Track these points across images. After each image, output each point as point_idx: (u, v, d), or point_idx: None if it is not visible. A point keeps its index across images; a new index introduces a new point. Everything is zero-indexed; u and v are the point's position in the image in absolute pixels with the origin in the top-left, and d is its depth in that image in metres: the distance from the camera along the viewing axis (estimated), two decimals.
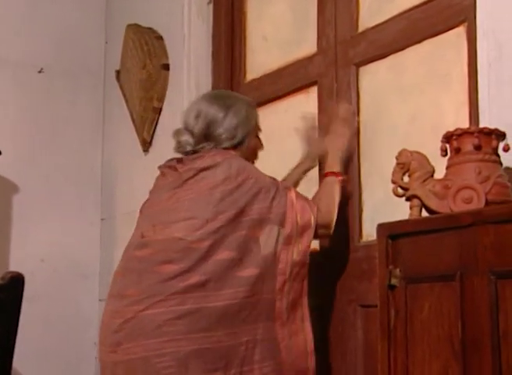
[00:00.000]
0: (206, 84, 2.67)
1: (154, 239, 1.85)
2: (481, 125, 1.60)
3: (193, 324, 1.71)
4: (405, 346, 1.37)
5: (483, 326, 1.25)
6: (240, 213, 1.79)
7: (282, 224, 1.81)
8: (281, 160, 2.41)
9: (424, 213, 1.55)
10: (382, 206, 2.00)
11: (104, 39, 3.32)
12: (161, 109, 2.79)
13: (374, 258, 1.89)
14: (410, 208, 1.53)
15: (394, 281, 1.44)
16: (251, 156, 2.02)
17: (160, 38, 2.84)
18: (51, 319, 2.97)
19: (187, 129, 1.96)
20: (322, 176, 1.98)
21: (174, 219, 1.84)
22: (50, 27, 3.20)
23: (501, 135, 1.50)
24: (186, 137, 1.95)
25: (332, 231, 1.89)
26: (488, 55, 1.65)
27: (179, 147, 1.98)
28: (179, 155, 2.12)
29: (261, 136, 2.08)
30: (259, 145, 2.05)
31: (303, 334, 1.82)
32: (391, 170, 1.60)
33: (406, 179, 1.57)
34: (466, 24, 1.79)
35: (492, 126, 1.52)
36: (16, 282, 1.05)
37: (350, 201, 2.08)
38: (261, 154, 2.49)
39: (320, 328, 2.12)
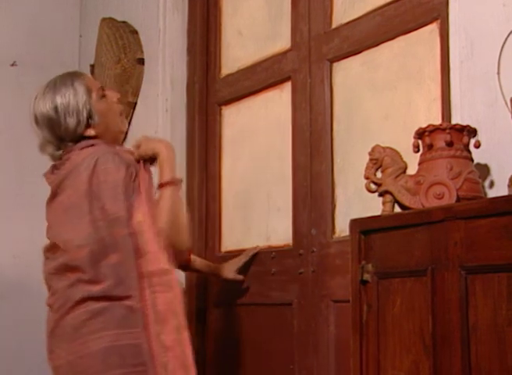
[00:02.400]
0: (181, 79, 2.66)
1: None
2: (453, 121, 1.62)
3: (108, 322, 1.74)
4: (377, 340, 1.38)
5: (453, 320, 1.26)
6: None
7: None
8: (254, 155, 2.42)
9: (397, 209, 1.56)
10: (354, 202, 2.01)
11: (78, 32, 3.29)
12: (135, 104, 2.78)
13: (347, 253, 1.90)
14: (383, 203, 1.54)
15: (366, 276, 1.45)
16: (112, 122, 1.95)
17: (135, 32, 2.82)
18: (23, 317, 2.93)
19: (45, 139, 1.93)
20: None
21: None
22: (23, 20, 3.15)
23: (472, 131, 1.52)
24: (50, 150, 1.93)
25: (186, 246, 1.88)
26: (461, 52, 1.67)
27: (54, 160, 1.95)
28: None
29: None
30: (110, 106, 1.95)
31: (180, 347, 1.76)
32: (364, 166, 1.61)
33: (379, 175, 1.58)
34: (439, 21, 1.80)
35: (463, 123, 1.53)
36: None
37: (322, 196, 2.09)
38: (234, 149, 2.50)
39: (292, 323, 2.13)
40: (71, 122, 1.90)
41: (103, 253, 1.76)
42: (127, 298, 1.74)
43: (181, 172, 2.61)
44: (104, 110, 1.94)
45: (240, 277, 2.28)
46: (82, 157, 1.85)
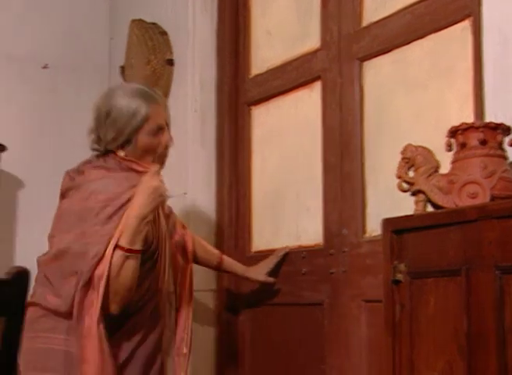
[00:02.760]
0: (210, 79, 2.67)
1: None
2: (487, 120, 1.60)
3: (41, 325, 1.81)
4: (410, 341, 1.37)
5: (488, 321, 1.24)
6: None
7: None
8: (284, 155, 2.41)
9: (430, 208, 1.55)
10: (385, 201, 2.00)
11: (108, 34, 3.32)
12: None
13: (378, 253, 1.89)
14: (415, 203, 1.53)
15: (399, 276, 1.44)
16: (143, 161, 1.94)
17: (164, 33, 2.84)
18: None
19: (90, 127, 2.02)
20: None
21: None
22: (55, 23, 3.20)
23: (506, 130, 1.50)
24: (90, 138, 2.01)
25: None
26: (494, 49, 1.65)
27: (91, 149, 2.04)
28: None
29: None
30: (153, 147, 1.95)
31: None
32: (395, 165, 1.60)
33: (411, 174, 1.56)
34: (471, 18, 1.78)
35: (497, 121, 1.52)
36: (22, 277, 1.05)
37: (353, 196, 2.08)
38: (264, 149, 2.50)
39: (323, 323, 2.13)
40: (108, 134, 1.93)
41: None
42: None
43: (211, 172, 2.63)
44: (144, 146, 1.94)
45: (271, 280, 2.28)
46: (92, 178, 1.92)
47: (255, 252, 2.47)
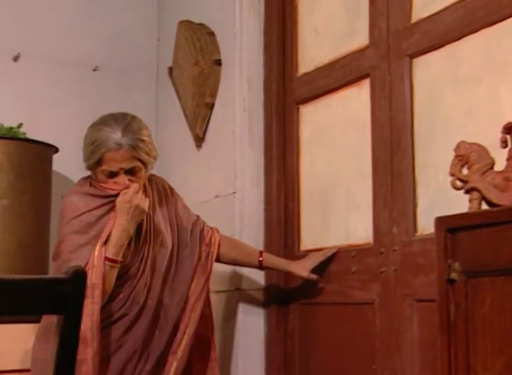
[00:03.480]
0: (258, 79, 2.67)
1: None
2: None
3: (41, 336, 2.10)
4: (466, 341, 1.35)
5: None
6: None
7: None
8: (333, 154, 2.40)
9: (484, 206, 1.52)
10: (436, 200, 1.97)
11: (156, 36, 3.36)
12: (213, 105, 2.81)
13: (430, 252, 1.87)
14: (470, 201, 1.51)
15: (453, 275, 1.42)
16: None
17: (212, 34, 2.85)
18: None
19: None
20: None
21: None
22: (104, 26, 3.25)
23: None
24: None
25: None
26: None
27: None
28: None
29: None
30: (110, 184, 2.13)
31: None
32: (446, 163, 1.57)
33: (465, 171, 1.54)
34: None
35: None
36: (79, 276, 1.07)
37: (403, 194, 2.06)
38: (312, 148, 2.50)
39: (374, 322, 2.11)
40: (84, 157, 2.15)
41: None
42: None
43: (259, 171, 2.63)
44: (102, 182, 2.13)
45: (314, 277, 2.27)
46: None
47: (304, 251, 2.46)
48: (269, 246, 2.56)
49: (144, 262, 2.13)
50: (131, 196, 2.06)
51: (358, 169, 2.27)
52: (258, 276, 2.52)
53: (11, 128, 2.74)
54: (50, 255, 2.48)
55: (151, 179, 2.30)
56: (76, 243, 2.05)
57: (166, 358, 2.15)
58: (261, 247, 2.56)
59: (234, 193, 2.61)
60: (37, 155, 2.73)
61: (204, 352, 2.26)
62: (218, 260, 2.31)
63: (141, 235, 2.14)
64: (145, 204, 2.08)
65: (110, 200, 2.11)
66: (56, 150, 2.84)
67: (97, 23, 3.24)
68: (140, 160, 2.10)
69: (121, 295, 2.09)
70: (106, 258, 2.02)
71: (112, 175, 2.10)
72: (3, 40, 3.06)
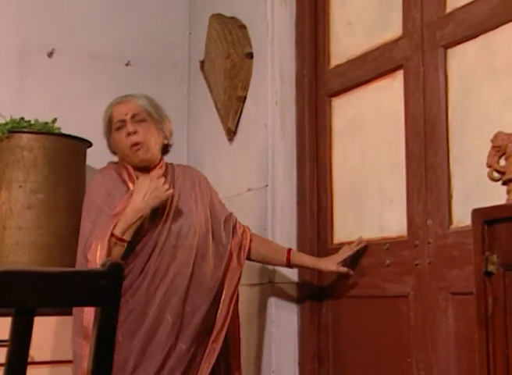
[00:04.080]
0: (290, 71, 2.66)
1: None
2: None
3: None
4: (505, 335, 1.33)
5: None
6: None
7: None
8: (366, 146, 2.39)
9: None
10: (472, 192, 1.94)
11: (188, 30, 3.37)
12: (245, 98, 2.81)
13: (465, 244, 1.85)
14: (508, 192, 1.48)
15: (491, 268, 1.40)
16: (121, 151, 2.24)
17: (243, 27, 2.85)
18: None
19: None
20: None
21: None
22: (136, 21, 3.27)
23: None
24: None
25: None
26: None
27: None
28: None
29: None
30: (122, 139, 2.20)
31: None
32: (481, 154, 1.55)
33: (502, 162, 1.51)
34: None
35: None
36: (116, 268, 1.08)
37: (438, 187, 2.04)
38: (345, 141, 2.48)
39: (409, 315, 2.09)
40: (103, 133, 2.30)
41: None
42: None
43: (292, 165, 2.63)
44: (117, 143, 2.23)
45: (344, 269, 2.26)
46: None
47: (337, 244, 2.45)
48: (302, 239, 2.56)
49: (164, 240, 2.14)
50: (151, 179, 2.10)
51: (391, 162, 2.25)
52: (291, 270, 2.52)
53: (46, 123, 2.77)
54: None
55: (186, 169, 2.34)
56: (94, 215, 2.14)
57: (206, 345, 2.14)
58: (293, 240, 2.56)
59: (266, 186, 2.61)
60: (71, 150, 2.76)
61: (230, 349, 2.26)
62: (248, 257, 2.32)
63: (163, 217, 2.16)
64: (162, 189, 2.09)
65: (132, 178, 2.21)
66: (90, 144, 2.86)
67: (130, 18, 3.26)
68: (146, 112, 2.23)
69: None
70: (112, 235, 2.04)
71: (121, 127, 2.20)
72: (38, 36, 3.10)
